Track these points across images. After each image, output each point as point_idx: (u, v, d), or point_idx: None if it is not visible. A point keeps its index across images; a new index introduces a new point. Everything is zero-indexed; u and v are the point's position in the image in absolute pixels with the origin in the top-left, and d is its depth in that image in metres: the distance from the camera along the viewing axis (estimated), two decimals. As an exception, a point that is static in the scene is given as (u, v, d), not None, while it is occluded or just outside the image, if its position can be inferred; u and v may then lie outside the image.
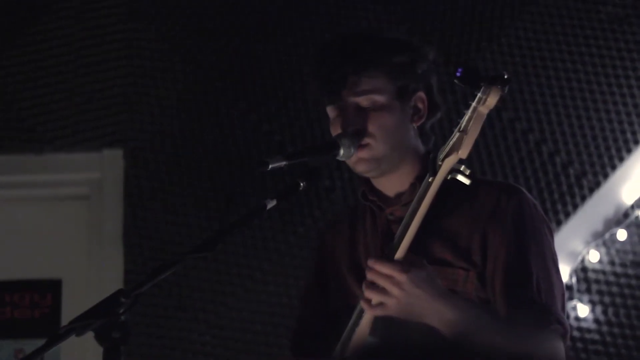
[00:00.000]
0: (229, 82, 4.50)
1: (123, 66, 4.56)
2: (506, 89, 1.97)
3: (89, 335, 1.96)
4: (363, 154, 2.38)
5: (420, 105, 2.45)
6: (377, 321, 2.20)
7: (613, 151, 4.20)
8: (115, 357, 1.93)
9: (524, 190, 2.42)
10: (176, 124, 4.48)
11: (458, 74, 1.96)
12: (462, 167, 2.11)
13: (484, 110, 1.96)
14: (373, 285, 2.07)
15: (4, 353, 4.41)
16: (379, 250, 2.40)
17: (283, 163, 2.28)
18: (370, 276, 2.06)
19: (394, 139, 2.39)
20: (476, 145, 4.21)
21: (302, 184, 2.35)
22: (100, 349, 1.94)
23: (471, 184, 2.13)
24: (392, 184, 2.45)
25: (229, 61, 4.52)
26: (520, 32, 4.38)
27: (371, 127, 2.38)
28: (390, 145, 2.39)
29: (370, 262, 2.06)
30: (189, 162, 4.43)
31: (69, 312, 4.36)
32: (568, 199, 4.16)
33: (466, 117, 2.00)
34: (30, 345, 4.36)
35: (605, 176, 4.17)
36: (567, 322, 2.29)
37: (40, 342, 1.99)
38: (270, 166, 2.26)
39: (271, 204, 2.29)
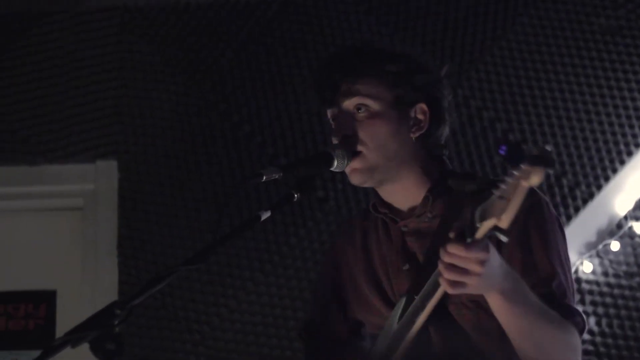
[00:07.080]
0: (221, 94, 4.50)
1: (116, 78, 4.57)
2: (551, 169, 1.92)
3: (84, 347, 1.95)
4: (356, 163, 2.38)
5: (420, 117, 2.43)
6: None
7: (606, 162, 4.20)
8: (110, 368, 1.93)
9: (535, 188, 2.37)
10: (169, 136, 4.49)
11: (502, 152, 1.89)
12: (499, 232, 2.06)
13: (527, 185, 1.89)
14: (452, 267, 2.07)
15: (-1, 364, 4.41)
16: (397, 265, 2.42)
17: (277, 174, 2.28)
18: (448, 259, 2.07)
19: (388, 148, 2.39)
20: (472, 154, 4.24)
21: (296, 195, 2.35)
22: (95, 361, 1.94)
23: (485, 187, 2.11)
24: (399, 196, 2.45)
25: (221, 73, 4.52)
26: (512, 43, 4.39)
27: (363, 135, 2.38)
28: (383, 155, 2.38)
29: (450, 248, 2.06)
30: (182, 174, 4.43)
31: (63, 323, 4.36)
32: (562, 209, 4.16)
33: (506, 186, 1.92)
34: (25, 356, 4.35)
35: (599, 187, 4.18)
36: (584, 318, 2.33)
37: (34, 353, 1.99)
38: (264, 177, 2.26)
39: (265, 215, 2.28)
